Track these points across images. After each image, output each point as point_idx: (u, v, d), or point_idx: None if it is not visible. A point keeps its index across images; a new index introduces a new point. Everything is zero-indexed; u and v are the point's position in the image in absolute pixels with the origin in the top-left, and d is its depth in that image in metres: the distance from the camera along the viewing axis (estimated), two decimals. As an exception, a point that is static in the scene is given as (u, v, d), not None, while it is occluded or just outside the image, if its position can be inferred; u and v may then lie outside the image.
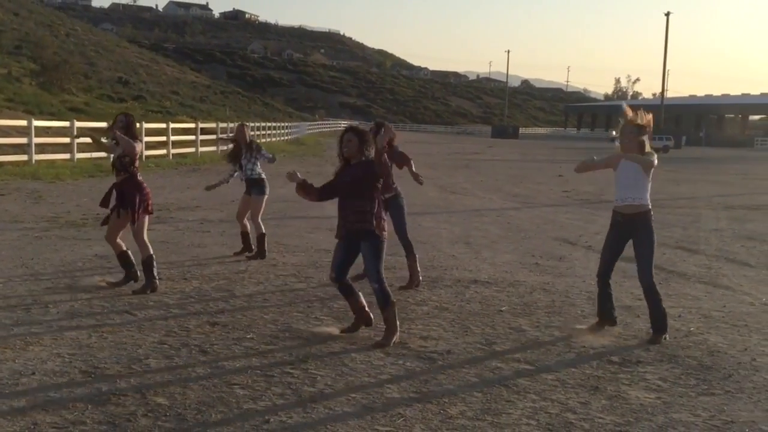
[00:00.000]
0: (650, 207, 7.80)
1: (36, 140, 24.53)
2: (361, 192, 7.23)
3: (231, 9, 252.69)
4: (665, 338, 7.84)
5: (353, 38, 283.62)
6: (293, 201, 19.34)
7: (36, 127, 25.43)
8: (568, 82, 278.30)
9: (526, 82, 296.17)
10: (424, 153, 52.32)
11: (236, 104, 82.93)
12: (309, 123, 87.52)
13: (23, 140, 24.44)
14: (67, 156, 26.06)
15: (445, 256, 12.45)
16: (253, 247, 11.59)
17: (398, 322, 7.43)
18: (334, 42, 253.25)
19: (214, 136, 38.84)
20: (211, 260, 11.06)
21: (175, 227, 14.15)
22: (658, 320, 7.87)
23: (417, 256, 10.10)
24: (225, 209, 16.82)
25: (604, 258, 8.03)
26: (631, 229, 7.78)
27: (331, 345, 7.16)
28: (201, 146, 36.43)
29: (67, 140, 26.40)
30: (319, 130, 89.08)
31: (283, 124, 63.75)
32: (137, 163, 9.18)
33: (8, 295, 8.30)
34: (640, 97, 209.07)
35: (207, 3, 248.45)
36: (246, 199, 11.73)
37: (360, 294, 7.59)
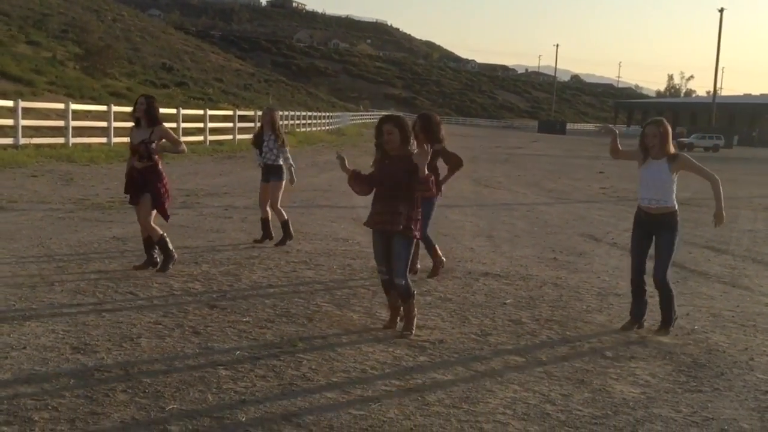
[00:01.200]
0: (676, 208, 7.82)
1: (73, 123, 24.91)
2: (399, 191, 7.00)
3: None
4: (670, 331, 7.99)
5: (401, 29, 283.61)
6: (323, 190, 19.51)
7: (75, 111, 25.83)
8: (619, 77, 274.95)
9: (576, 77, 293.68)
10: (466, 146, 52.17)
11: (280, 93, 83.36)
12: (352, 113, 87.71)
13: (61, 123, 24.84)
14: (104, 140, 26.43)
15: (462, 248, 12.48)
16: (272, 234, 11.62)
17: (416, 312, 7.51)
18: (380, 32, 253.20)
19: (252, 124, 39.14)
20: (226, 245, 11.20)
21: (198, 212, 14.34)
22: (667, 315, 8.00)
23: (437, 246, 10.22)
24: (252, 196, 16.96)
25: (634, 259, 8.07)
26: (655, 227, 7.84)
27: (324, 331, 7.26)
28: (238, 134, 36.71)
29: (104, 124, 26.75)
30: (362, 120, 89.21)
31: (324, 114, 63.94)
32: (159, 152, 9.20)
33: (18, 273, 8.50)
34: (693, 95, 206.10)
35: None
36: (264, 186, 11.69)
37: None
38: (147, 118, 9.04)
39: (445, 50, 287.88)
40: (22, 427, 4.66)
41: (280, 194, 11.64)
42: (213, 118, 33.73)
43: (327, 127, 61.73)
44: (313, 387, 5.76)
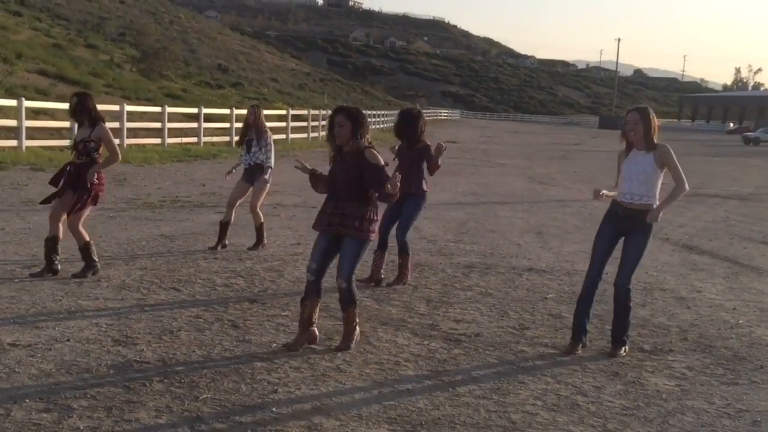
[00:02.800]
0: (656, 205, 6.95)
1: (128, 125, 25.37)
2: (351, 190, 6.43)
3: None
4: (624, 351, 7.01)
5: (458, 26, 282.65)
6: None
7: (131, 112, 26.31)
8: (683, 71, 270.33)
9: (639, 72, 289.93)
10: (522, 143, 52.10)
11: (335, 92, 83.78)
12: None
13: (116, 125, 25.29)
14: (158, 141, 26.88)
15: (509, 244, 12.50)
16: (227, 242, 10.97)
17: (358, 325, 6.74)
18: (438, 30, 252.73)
19: (305, 123, 39.44)
20: (272, 242, 11.34)
21: (248, 210, 14.51)
22: (620, 331, 7.04)
23: (411, 256, 9.48)
24: (302, 194, 17.15)
25: (596, 258, 7.13)
26: (628, 225, 6.95)
27: (361, 325, 7.34)
28: (291, 133, 37.02)
29: (158, 125, 27.21)
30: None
31: (378, 112, 64.03)
32: (101, 151, 8.79)
33: (67, 270, 8.73)
34: (761, 88, 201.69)
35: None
36: (242, 186, 11.06)
37: (318, 303, 6.70)
38: (82, 117, 8.67)
39: (504, 46, 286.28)
40: (60, 414, 4.84)
41: (262, 197, 11.15)
42: (267, 118, 34.05)
43: (381, 126, 61.80)
44: (346, 378, 5.87)
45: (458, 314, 7.99)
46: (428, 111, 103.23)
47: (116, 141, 8.87)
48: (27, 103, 21.70)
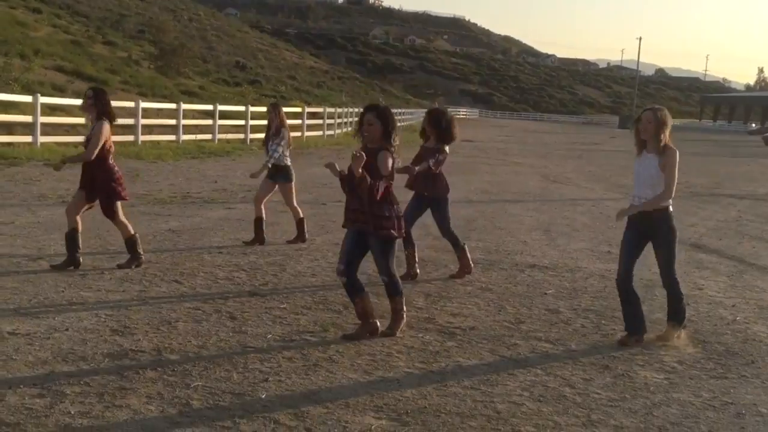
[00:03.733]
0: (670, 206, 7.17)
1: (143, 121, 25.60)
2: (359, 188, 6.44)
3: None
4: (683, 329, 7.37)
5: (479, 24, 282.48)
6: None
7: (146, 109, 26.55)
8: (706, 71, 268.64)
9: (660, 71, 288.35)
10: (540, 142, 52.03)
11: (353, 90, 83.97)
12: (425, 110, 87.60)
13: (131, 121, 25.54)
14: (173, 137, 27.09)
15: (515, 242, 12.56)
16: (264, 238, 11.14)
17: (405, 310, 7.05)
18: (458, 28, 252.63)
19: (320, 121, 39.58)
20: (278, 238, 11.47)
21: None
22: (678, 313, 7.36)
23: (466, 246, 9.79)
24: (313, 191, 17.26)
25: (623, 261, 7.32)
26: (648, 229, 7.15)
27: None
28: (307, 131, 37.17)
29: (173, 122, 27.43)
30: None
31: (395, 110, 64.18)
32: (110, 146, 8.82)
33: (86, 263, 8.90)
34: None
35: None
36: (267, 185, 11.23)
37: (368, 296, 6.93)
38: (94, 111, 8.79)
39: (524, 45, 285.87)
40: (53, 399, 4.98)
41: (293, 194, 11.36)
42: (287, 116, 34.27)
43: (399, 124, 61.94)
44: (337, 368, 5.98)
45: (456, 308, 8.09)
46: (447, 110, 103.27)
47: (104, 140, 8.73)
48: (42, 99, 21.90)
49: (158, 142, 25.90)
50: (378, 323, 6.84)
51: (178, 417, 4.86)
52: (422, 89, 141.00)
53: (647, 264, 10.96)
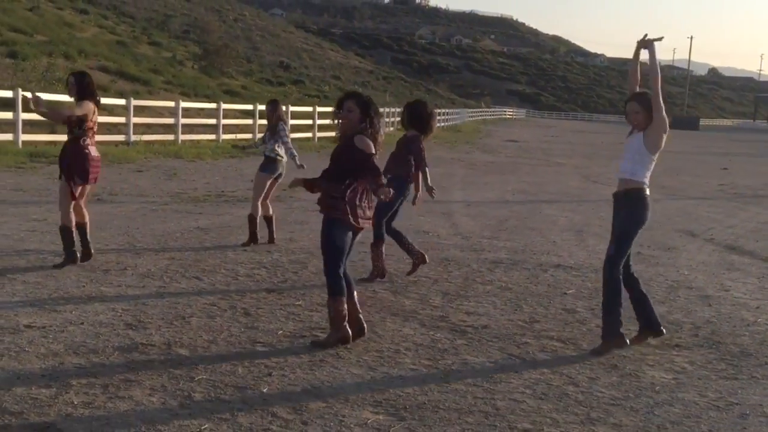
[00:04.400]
0: (645, 186, 6.93)
1: (183, 121, 25.95)
2: (336, 174, 6.39)
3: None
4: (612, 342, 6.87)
5: (526, 24, 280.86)
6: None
7: (188, 109, 26.91)
8: (760, 70, 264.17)
9: (713, 71, 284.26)
10: (586, 143, 51.64)
11: (398, 90, 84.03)
12: (471, 110, 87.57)
13: (171, 121, 25.93)
14: (213, 137, 27.42)
15: (544, 241, 12.54)
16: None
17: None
18: (506, 27, 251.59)
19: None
20: (304, 237, 11.57)
21: (288, 205, 14.81)
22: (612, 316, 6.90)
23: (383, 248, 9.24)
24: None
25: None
26: (622, 204, 7.00)
27: (372, 315, 7.54)
28: (345, 129, 37.27)
29: (213, 121, 27.74)
30: (482, 117, 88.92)
31: (438, 110, 64.01)
32: (90, 126, 8.69)
33: (96, 258, 9.09)
34: None
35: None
36: (273, 181, 11.12)
37: (345, 300, 6.54)
38: (76, 93, 8.65)
39: (573, 44, 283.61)
40: (59, 390, 5.14)
41: (264, 187, 11.08)
42: (323, 115, 34.42)
43: (443, 124, 61.83)
44: (342, 364, 6.07)
45: (471, 307, 8.13)
46: (493, 110, 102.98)
47: (83, 113, 8.58)
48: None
49: (198, 142, 26.23)
50: (350, 332, 6.49)
51: (178, 409, 4.98)
52: (468, 89, 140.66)
53: (676, 265, 10.98)
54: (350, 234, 6.49)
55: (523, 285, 9.33)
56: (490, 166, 28.21)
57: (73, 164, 8.58)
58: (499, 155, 34.89)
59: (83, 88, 8.66)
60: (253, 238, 10.74)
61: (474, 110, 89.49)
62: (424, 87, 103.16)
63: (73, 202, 8.73)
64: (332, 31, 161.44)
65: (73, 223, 8.70)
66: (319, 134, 33.44)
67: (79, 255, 8.79)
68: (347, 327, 6.46)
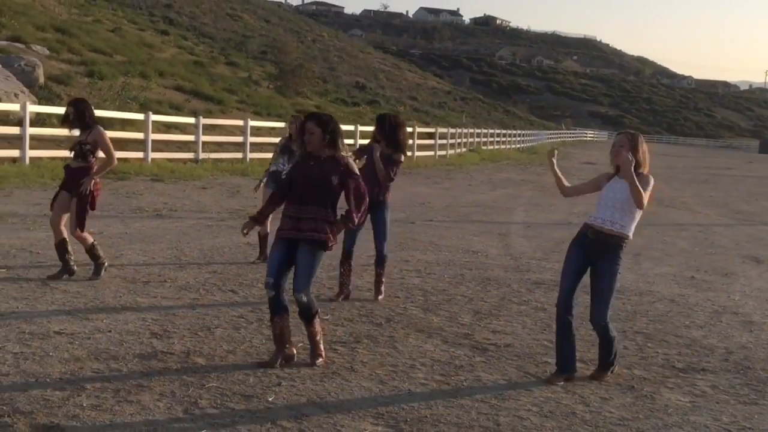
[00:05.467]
0: (629, 237, 6.56)
1: (252, 139, 26.46)
2: (313, 197, 6.32)
3: (482, 15, 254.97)
4: (612, 372, 6.78)
5: (610, 45, 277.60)
6: (485, 206, 19.77)
7: (259, 128, 27.45)
8: None
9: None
10: (666, 165, 50.79)
11: (475, 110, 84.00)
12: (550, 132, 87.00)
13: (239, 139, 26.47)
14: (281, 155, 27.84)
15: (594, 263, 12.43)
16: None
17: (322, 336, 6.63)
18: (589, 48, 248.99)
19: (432, 141, 39.80)
20: (372, 257, 11.62)
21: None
22: (604, 357, 6.78)
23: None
24: (409, 210, 17.51)
25: (566, 284, 6.70)
26: (598, 253, 6.54)
27: (396, 330, 7.65)
28: (418, 150, 37.44)
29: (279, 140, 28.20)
30: (562, 139, 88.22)
31: (514, 132, 63.82)
32: (98, 154, 8.80)
33: (140, 271, 9.42)
34: None
35: (458, 9, 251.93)
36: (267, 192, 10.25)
37: (287, 320, 6.46)
38: (76, 123, 8.76)
39: (659, 66, 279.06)
40: (72, 392, 5.38)
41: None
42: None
43: (518, 145, 61.66)
44: (354, 377, 6.20)
45: (499, 326, 8.18)
46: (572, 131, 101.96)
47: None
48: (154, 117, 22.99)
49: (266, 160, 26.62)
50: (294, 350, 6.49)
51: (181, 414, 5.18)
52: (549, 110, 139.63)
53: (729, 290, 10.82)
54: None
55: (559, 305, 9.29)
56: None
57: (90, 196, 8.72)
58: (572, 178, 34.31)
59: (89, 117, 8.80)
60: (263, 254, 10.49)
61: (552, 132, 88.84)
62: (502, 108, 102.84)
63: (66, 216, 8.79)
64: (411, 52, 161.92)
65: (64, 236, 8.79)
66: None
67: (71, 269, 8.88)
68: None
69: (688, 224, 19.20)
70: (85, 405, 5.18)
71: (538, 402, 5.99)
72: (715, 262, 13.46)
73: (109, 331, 6.88)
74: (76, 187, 8.65)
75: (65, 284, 8.54)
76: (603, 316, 6.62)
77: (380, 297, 9.04)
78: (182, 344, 6.69)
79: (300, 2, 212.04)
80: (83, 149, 8.69)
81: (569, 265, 6.66)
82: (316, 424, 5.19)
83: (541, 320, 8.55)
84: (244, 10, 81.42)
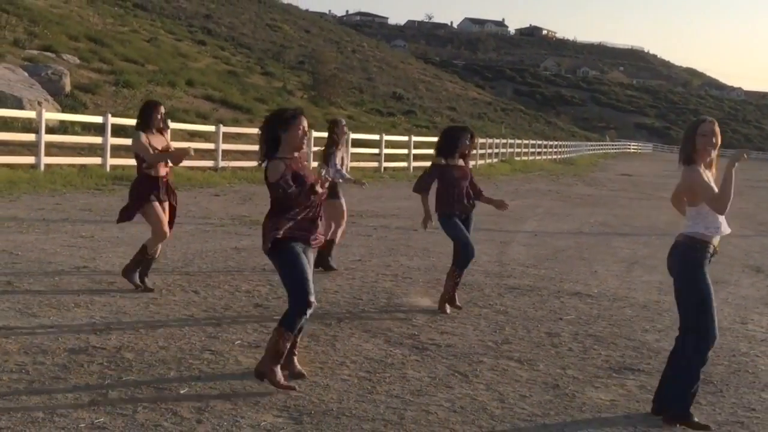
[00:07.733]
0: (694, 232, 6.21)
1: (272, 147, 26.72)
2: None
3: (528, 25, 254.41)
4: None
5: (658, 55, 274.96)
6: (500, 215, 19.79)
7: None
8: None
9: None
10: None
11: (516, 122, 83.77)
12: (591, 143, 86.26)
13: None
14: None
15: (584, 271, 12.43)
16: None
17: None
18: (636, 59, 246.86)
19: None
20: (356, 261, 11.96)
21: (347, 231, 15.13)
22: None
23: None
24: (416, 219, 17.60)
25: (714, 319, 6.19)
26: None
27: (343, 330, 7.82)
28: (446, 160, 37.43)
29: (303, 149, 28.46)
30: (604, 151, 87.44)
31: (551, 143, 63.46)
32: (145, 164, 8.82)
33: (111, 272, 9.65)
34: None
35: (503, 19, 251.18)
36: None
37: None
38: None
39: (708, 77, 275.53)
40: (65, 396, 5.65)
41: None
42: (419, 145, 34.72)
43: (555, 156, 61.35)
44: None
45: (450, 328, 8.27)
46: (615, 143, 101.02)
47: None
48: (174, 125, 23.30)
49: (286, 168, 26.90)
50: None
51: (87, 405, 5.41)
52: (593, 122, 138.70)
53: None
54: None
55: (523, 309, 9.39)
56: (585, 198, 27.88)
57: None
58: (602, 189, 34.36)
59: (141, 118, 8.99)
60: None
61: (594, 143, 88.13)
62: (544, 119, 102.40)
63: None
64: (454, 63, 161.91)
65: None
66: (414, 164, 33.70)
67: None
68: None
69: (702, 235, 18.97)
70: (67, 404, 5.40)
71: (452, 398, 6.11)
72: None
73: (51, 327, 7.15)
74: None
75: (29, 284, 8.83)
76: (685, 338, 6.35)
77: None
78: (119, 340, 6.92)
79: (344, 13, 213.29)
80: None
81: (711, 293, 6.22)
82: (217, 414, 5.38)
83: (496, 323, 8.63)
84: (284, 20, 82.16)
